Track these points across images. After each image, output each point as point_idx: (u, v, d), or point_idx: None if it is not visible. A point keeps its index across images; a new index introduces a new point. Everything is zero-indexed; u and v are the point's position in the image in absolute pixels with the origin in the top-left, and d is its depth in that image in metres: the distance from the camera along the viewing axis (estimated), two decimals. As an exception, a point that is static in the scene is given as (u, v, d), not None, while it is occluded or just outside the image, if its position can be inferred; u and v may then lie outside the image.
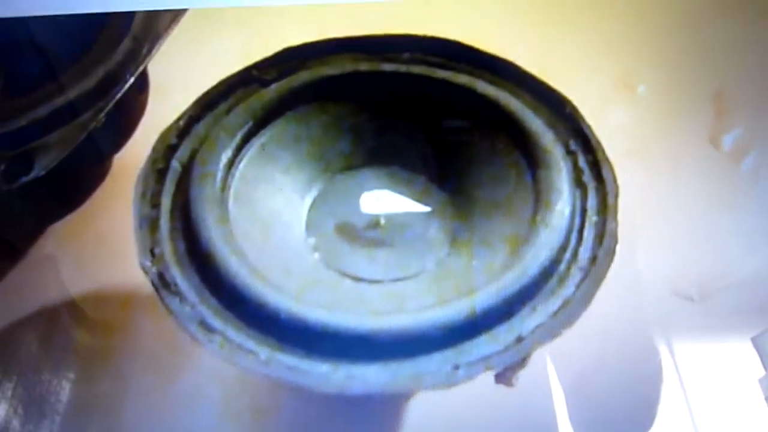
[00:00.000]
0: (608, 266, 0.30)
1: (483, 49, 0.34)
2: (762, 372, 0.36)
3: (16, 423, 0.36)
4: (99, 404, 0.35)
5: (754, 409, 0.36)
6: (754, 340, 0.37)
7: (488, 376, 0.30)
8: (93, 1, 0.29)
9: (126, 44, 0.34)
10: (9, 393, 0.36)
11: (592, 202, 0.31)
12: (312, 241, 0.33)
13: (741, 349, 0.37)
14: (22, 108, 0.33)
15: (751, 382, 0.36)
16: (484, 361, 0.28)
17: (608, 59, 0.36)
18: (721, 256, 0.40)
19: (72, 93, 0.34)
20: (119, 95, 0.34)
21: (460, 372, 0.28)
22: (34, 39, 0.34)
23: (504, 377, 0.30)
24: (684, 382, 0.37)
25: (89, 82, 0.33)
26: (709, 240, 0.40)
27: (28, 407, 0.36)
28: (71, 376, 0.35)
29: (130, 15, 0.34)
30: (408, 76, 0.34)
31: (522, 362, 0.30)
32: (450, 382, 0.28)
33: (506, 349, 0.29)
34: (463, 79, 0.34)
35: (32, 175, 0.33)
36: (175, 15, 0.34)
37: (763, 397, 0.36)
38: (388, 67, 0.34)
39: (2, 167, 0.33)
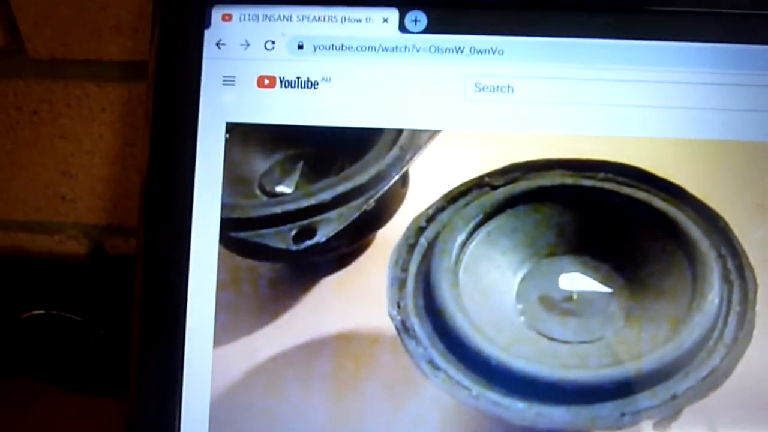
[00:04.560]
0: (747, 345, 0.43)
1: (658, 173, 0.45)
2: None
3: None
4: (342, 419, 0.47)
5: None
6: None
7: (648, 424, 0.43)
8: (371, 118, 0.46)
9: (394, 152, 0.47)
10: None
11: (736, 295, 0.43)
12: (520, 307, 0.45)
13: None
14: (313, 192, 0.48)
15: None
16: (645, 412, 0.43)
17: (751, 188, 0.45)
18: None
19: (350, 184, 0.47)
20: (386, 188, 0.47)
21: (626, 419, 0.43)
22: (328, 143, 0.48)
23: (660, 426, 0.43)
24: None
25: (364, 177, 0.47)
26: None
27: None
28: (324, 397, 0.47)
29: (399, 131, 0.47)
30: (602, 190, 0.45)
31: (675, 415, 0.43)
32: (617, 426, 0.43)
33: (663, 404, 0.42)
34: (642, 195, 0.45)
35: (315, 240, 0.47)
36: (432, 134, 0.46)
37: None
38: (586, 182, 0.45)
39: (293, 233, 0.47)
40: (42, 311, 0.64)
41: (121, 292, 0.50)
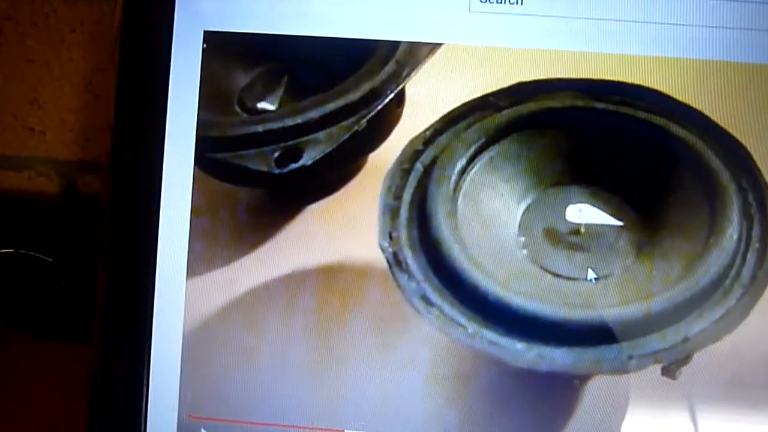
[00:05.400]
0: (765, 286, 0.41)
1: (678, 97, 0.43)
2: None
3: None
4: (326, 356, 0.45)
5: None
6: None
7: (656, 368, 0.41)
8: (366, 29, 0.43)
9: (390, 67, 0.44)
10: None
11: (756, 231, 0.42)
12: (522, 239, 0.44)
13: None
14: (299, 110, 0.45)
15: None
16: (653, 355, 0.41)
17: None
18: None
19: (341, 102, 0.45)
20: (380, 107, 0.45)
21: (633, 362, 0.41)
22: (317, 56, 0.45)
23: (669, 371, 0.41)
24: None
25: (356, 94, 0.45)
26: None
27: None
28: (307, 334, 0.45)
29: (396, 43, 0.44)
30: (616, 113, 0.43)
31: (685, 359, 0.41)
32: (623, 369, 0.41)
33: (673, 347, 0.41)
34: (660, 121, 0.43)
35: (300, 163, 0.45)
36: (433, 48, 0.43)
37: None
38: (599, 105, 0.43)
39: (276, 155, 0.45)
40: (11, 250, 0.60)
41: (94, 233, 0.48)
